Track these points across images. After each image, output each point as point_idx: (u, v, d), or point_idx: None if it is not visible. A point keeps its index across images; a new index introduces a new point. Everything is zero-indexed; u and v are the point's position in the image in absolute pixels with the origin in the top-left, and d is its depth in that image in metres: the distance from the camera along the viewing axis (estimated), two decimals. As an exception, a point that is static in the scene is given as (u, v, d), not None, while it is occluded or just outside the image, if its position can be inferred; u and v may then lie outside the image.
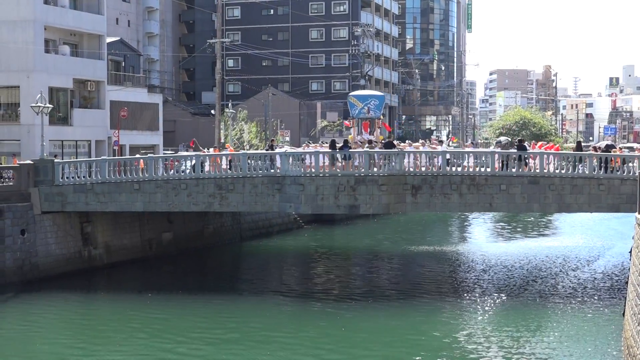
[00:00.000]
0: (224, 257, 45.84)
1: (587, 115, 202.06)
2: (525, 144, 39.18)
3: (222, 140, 60.95)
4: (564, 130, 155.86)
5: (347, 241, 53.04)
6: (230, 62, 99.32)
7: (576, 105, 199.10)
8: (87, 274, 37.85)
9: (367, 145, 38.77)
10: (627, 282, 28.67)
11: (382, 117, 45.56)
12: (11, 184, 36.88)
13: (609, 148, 37.78)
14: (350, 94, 47.69)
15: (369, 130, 42.75)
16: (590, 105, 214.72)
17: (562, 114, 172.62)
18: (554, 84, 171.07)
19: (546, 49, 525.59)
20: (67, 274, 36.83)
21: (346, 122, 44.99)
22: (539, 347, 25.71)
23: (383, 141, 41.12)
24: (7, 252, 34.91)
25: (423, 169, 35.08)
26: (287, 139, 76.84)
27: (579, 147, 37.56)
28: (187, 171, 37.30)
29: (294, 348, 25.91)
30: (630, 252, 34.77)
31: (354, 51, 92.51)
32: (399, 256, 46.42)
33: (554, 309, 30.91)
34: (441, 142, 46.42)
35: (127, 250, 40.85)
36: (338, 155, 35.80)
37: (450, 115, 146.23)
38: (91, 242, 38.82)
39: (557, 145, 45.97)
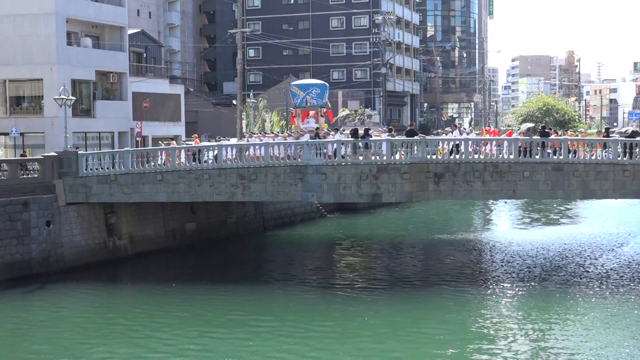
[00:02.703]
0: (247, 247, 45.96)
1: (611, 100, 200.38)
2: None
3: (244, 131, 61.04)
4: (587, 116, 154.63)
5: (370, 230, 53.01)
6: (251, 52, 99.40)
7: (600, 90, 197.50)
8: (111, 264, 38.13)
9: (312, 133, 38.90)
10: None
11: (329, 104, 45.71)
12: (36, 175, 37.17)
13: (634, 134, 37.43)
14: (292, 83, 47.90)
15: (305, 118, 42.82)
16: (614, 90, 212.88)
17: (585, 100, 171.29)
18: (577, 70, 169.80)
19: (569, 34, 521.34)
20: (92, 264, 37.12)
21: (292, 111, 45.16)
22: (565, 336, 25.60)
23: (327, 129, 41.37)
24: (33, 243, 35.23)
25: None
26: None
27: (607, 133, 37.20)
28: (210, 161, 37.37)
29: (317, 338, 25.92)
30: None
31: (374, 39, 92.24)
32: (421, 244, 46.34)
33: (579, 297, 30.76)
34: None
35: (151, 241, 41.09)
36: (360, 144, 35.76)
37: (472, 103, 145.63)
38: (115, 232, 39.07)
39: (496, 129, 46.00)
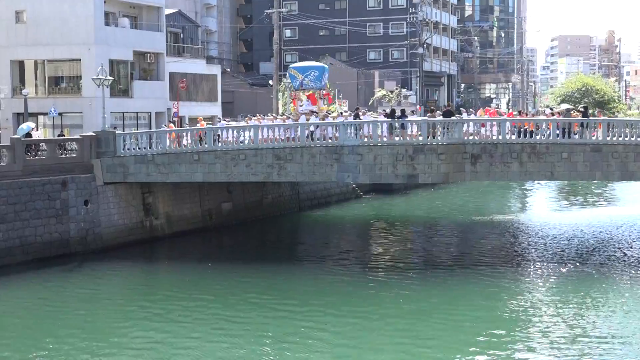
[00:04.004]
0: (283, 227, 46.09)
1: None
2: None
3: (280, 110, 61.05)
4: (627, 97, 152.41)
5: (406, 211, 52.87)
6: (288, 32, 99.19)
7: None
8: (148, 243, 38.47)
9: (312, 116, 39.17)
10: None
11: (327, 87, 46.19)
12: (74, 155, 37.53)
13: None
14: (291, 66, 48.19)
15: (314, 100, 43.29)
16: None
17: (625, 81, 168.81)
18: (617, 50, 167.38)
19: (609, 14, 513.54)
20: (129, 243, 37.46)
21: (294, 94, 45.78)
22: (602, 319, 25.28)
23: (328, 112, 41.61)
24: (72, 222, 35.63)
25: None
26: (345, 108, 76.66)
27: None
28: (246, 141, 37.41)
29: (349, 322, 25.81)
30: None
31: (412, 19, 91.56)
32: (457, 226, 46.12)
33: (617, 281, 30.41)
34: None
35: (188, 221, 41.35)
36: (396, 124, 35.61)
37: (510, 83, 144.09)
38: (152, 212, 39.38)
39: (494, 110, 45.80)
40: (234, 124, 44.36)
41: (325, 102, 45.54)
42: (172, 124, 47.18)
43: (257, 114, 47.36)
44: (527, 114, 43.95)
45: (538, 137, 34.16)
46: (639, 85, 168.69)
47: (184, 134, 38.57)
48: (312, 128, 36.26)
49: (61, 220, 35.26)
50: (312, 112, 40.71)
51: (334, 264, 34.84)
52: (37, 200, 34.54)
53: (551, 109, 42.63)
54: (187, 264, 35.24)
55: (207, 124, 44.14)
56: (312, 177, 37.02)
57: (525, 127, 34.53)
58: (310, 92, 44.48)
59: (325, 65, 47.23)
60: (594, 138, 33.91)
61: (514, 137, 34.26)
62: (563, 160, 33.72)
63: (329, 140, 35.56)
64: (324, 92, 45.75)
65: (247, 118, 44.53)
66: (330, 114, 41.97)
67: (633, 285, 29.59)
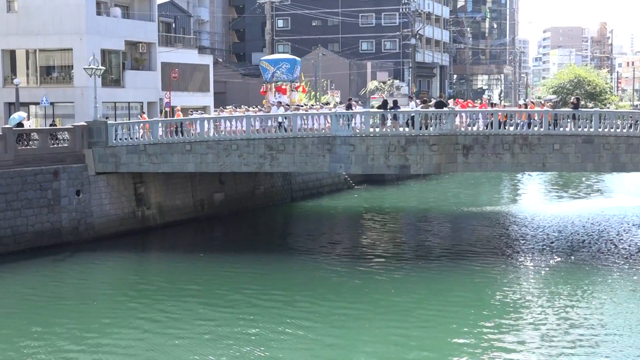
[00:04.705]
0: (275, 218, 46.10)
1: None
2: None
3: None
4: (619, 89, 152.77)
5: (398, 202, 52.94)
6: (280, 23, 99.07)
7: (632, 62, 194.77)
8: (140, 233, 38.45)
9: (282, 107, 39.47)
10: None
11: (302, 79, 46.30)
12: (66, 145, 37.45)
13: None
14: (262, 58, 48.27)
15: (286, 93, 43.66)
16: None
17: (617, 72, 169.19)
18: (609, 41, 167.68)
19: (601, 5, 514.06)
20: (121, 233, 37.46)
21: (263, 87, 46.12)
22: (592, 310, 25.36)
23: (299, 104, 41.84)
24: (63, 212, 35.59)
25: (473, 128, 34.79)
26: (337, 99, 76.70)
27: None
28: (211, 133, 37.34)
29: (342, 313, 25.85)
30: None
31: (404, 10, 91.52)
32: (449, 217, 46.22)
33: (608, 272, 30.51)
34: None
35: (180, 211, 41.34)
36: (388, 115, 35.64)
37: (502, 75, 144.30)
38: (144, 202, 39.35)
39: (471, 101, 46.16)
40: (207, 114, 44.58)
41: (311, 95, 45.72)
42: (145, 115, 47.23)
43: (229, 106, 47.45)
44: (495, 105, 44.06)
45: (511, 128, 34.25)
46: (630, 77, 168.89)
47: (159, 125, 38.38)
48: (280, 119, 36.36)
49: (53, 210, 35.21)
50: (280, 103, 40.76)
51: (326, 255, 34.87)
52: (29, 190, 34.48)
53: (524, 101, 42.87)
54: (178, 254, 35.25)
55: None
56: (305, 167, 37.02)
57: (499, 119, 34.63)
58: (282, 84, 44.62)
59: (298, 58, 47.35)
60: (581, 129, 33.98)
61: (484, 128, 34.38)
62: (555, 151, 33.82)
63: (318, 131, 35.57)
64: (296, 84, 45.92)
65: (219, 109, 44.69)
66: (301, 106, 42.07)
67: (623, 277, 29.71)
